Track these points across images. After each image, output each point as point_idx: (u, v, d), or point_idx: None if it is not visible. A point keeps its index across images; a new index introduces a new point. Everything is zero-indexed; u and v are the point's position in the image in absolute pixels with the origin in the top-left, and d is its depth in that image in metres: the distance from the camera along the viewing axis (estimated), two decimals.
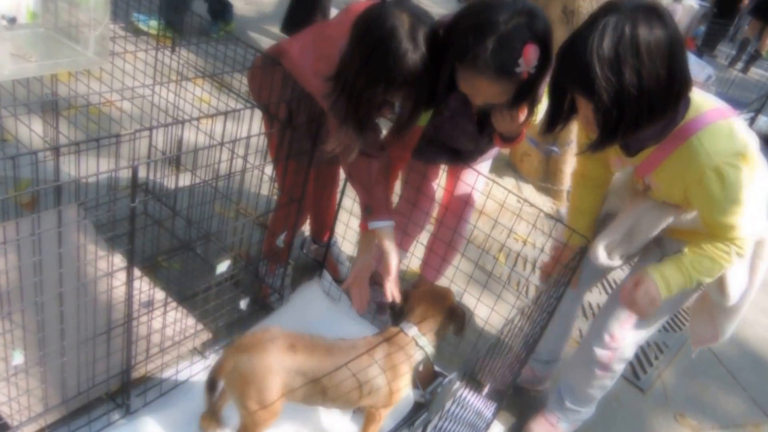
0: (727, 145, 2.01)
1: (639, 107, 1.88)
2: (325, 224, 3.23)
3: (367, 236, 2.60)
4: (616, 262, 2.48)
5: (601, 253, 2.40)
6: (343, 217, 3.00)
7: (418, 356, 2.32)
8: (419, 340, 2.32)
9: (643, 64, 1.81)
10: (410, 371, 2.31)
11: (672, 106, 1.97)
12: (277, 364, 2.13)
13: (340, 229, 3.03)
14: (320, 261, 3.16)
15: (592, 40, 1.81)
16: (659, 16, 1.84)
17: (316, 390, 2.21)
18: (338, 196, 2.98)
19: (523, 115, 2.37)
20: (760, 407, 3.58)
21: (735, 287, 2.33)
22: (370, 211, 2.51)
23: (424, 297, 2.41)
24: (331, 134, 2.42)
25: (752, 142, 2.06)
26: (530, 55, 2.02)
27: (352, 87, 2.18)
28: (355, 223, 3.01)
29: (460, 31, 2.09)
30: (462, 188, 2.92)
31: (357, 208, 2.63)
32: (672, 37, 1.84)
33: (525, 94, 2.21)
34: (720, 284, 2.33)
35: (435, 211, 3.08)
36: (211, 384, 2.14)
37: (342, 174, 2.78)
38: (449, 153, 2.76)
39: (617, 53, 1.80)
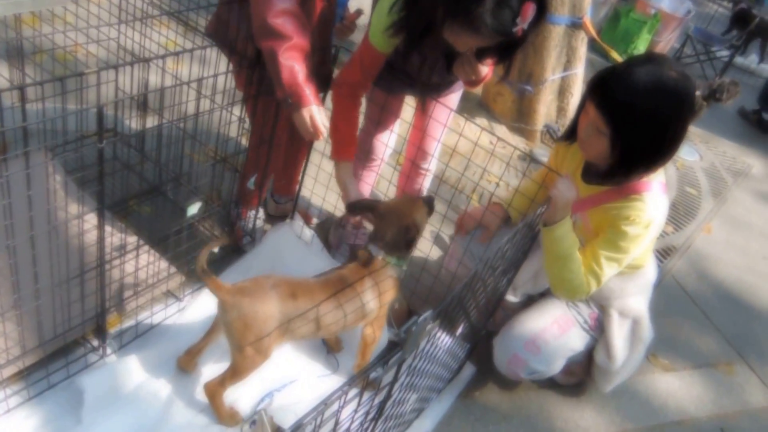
0: (652, 213, 2.26)
1: (653, 154, 2.14)
2: (293, 177, 3.21)
3: (339, 168, 2.62)
4: (519, 298, 2.81)
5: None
6: (315, 158, 2.99)
7: (394, 273, 2.42)
8: (389, 260, 2.40)
9: (676, 121, 2.07)
10: (393, 285, 2.42)
11: (661, 161, 2.20)
12: (278, 312, 2.19)
13: (311, 170, 3.02)
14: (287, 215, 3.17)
15: (639, 84, 2.04)
16: (690, 80, 2.07)
17: (319, 326, 2.30)
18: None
19: (485, 68, 2.37)
20: (733, 347, 3.64)
21: (620, 352, 2.62)
22: (281, 94, 2.41)
23: (386, 215, 2.42)
24: None
25: (662, 219, 2.35)
26: (528, 14, 2.01)
27: None
28: (327, 165, 3.01)
29: None
30: (427, 123, 2.91)
31: (329, 149, 2.62)
32: (696, 103, 2.08)
33: (514, 49, 2.21)
34: (607, 348, 2.63)
35: (402, 149, 3.08)
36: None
37: None
38: (414, 84, 2.73)
39: (658, 105, 2.04)
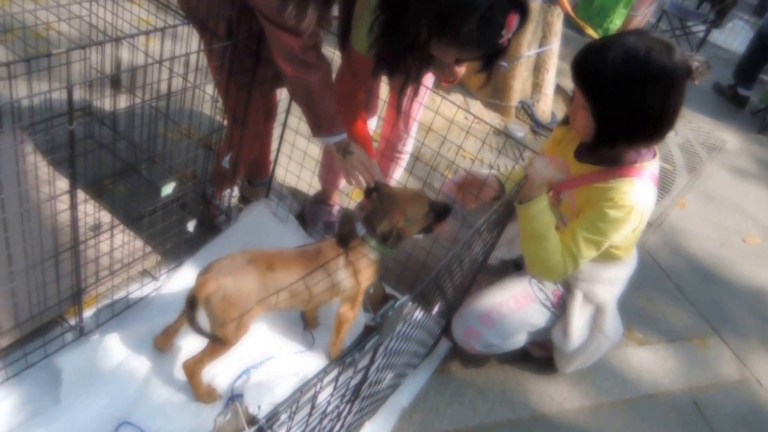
0: (635, 198, 2.24)
1: (629, 124, 2.13)
2: (264, 158, 3.20)
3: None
4: (494, 263, 2.83)
5: None
6: (288, 136, 2.98)
7: (372, 255, 2.42)
8: (369, 241, 2.40)
9: (646, 88, 2.07)
10: (370, 266, 2.43)
11: (655, 137, 2.21)
12: (259, 287, 2.22)
13: (285, 148, 3.02)
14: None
15: (609, 54, 2.06)
16: (670, 51, 2.07)
17: (297, 299, 2.35)
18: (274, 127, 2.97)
19: (463, 69, 2.38)
20: (706, 320, 3.70)
21: (576, 334, 2.64)
22: (317, 129, 2.51)
23: (384, 199, 2.41)
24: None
25: (648, 211, 2.33)
26: (513, 25, 2.03)
27: None
28: (300, 143, 3.01)
29: (439, 9, 2.03)
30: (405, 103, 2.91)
31: (303, 127, 2.61)
32: (677, 73, 2.09)
33: (497, 57, 2.20)
34: (564, 328, 2.65)
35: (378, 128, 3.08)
36: (191, 303, 2.16)
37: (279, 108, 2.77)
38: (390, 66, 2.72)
39: (627, 71, 2.05)
